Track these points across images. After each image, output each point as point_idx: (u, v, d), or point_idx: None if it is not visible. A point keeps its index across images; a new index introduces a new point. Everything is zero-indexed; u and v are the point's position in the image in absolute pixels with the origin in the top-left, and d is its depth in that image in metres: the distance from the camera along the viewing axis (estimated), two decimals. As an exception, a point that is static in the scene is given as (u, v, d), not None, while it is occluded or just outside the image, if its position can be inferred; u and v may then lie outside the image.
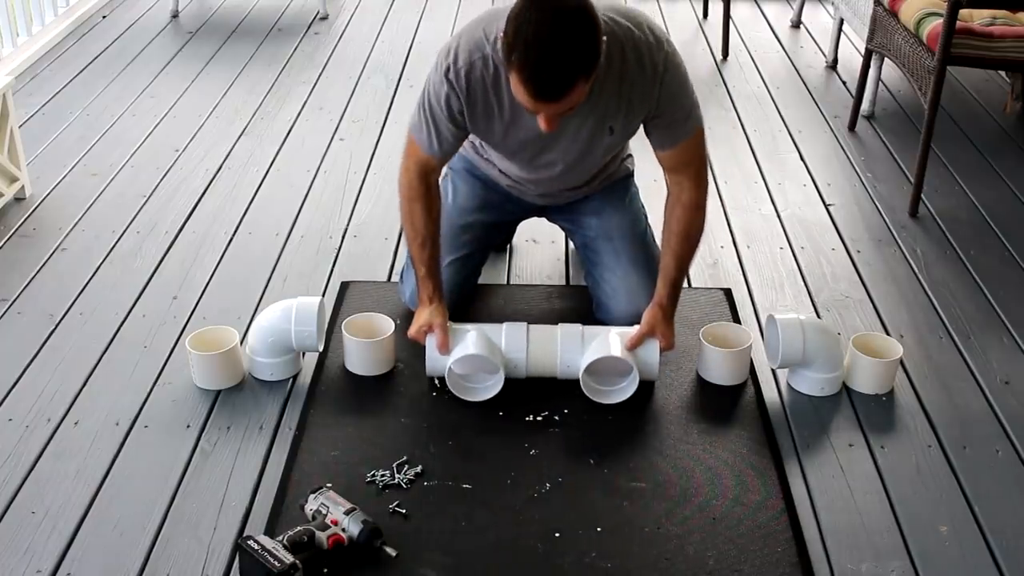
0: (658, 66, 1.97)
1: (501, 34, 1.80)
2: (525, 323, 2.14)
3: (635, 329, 2.13)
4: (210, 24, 4.41)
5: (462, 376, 2.11)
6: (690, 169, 2.11)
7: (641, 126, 2.09)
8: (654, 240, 2.37)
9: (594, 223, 2.33)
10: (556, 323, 2.16)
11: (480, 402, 2.09)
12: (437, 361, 2.11)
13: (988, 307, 2.50)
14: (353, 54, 4.11)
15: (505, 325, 2.13)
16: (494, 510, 1.84)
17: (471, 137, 2.34)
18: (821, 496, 1.91)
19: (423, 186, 2.13)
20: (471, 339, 2.08)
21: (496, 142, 2.12)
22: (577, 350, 2.10)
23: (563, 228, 2.51)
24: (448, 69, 1.96)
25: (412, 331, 2.15)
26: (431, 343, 2.11)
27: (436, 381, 2.15)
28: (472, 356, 2.07)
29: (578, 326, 2.14)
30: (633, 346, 2.09)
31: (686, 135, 2.08)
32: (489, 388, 2.11)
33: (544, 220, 2.49)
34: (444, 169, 2.45)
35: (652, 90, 1.99)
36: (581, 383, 2.06)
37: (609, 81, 1.95)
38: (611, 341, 2.09)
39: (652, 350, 2.10)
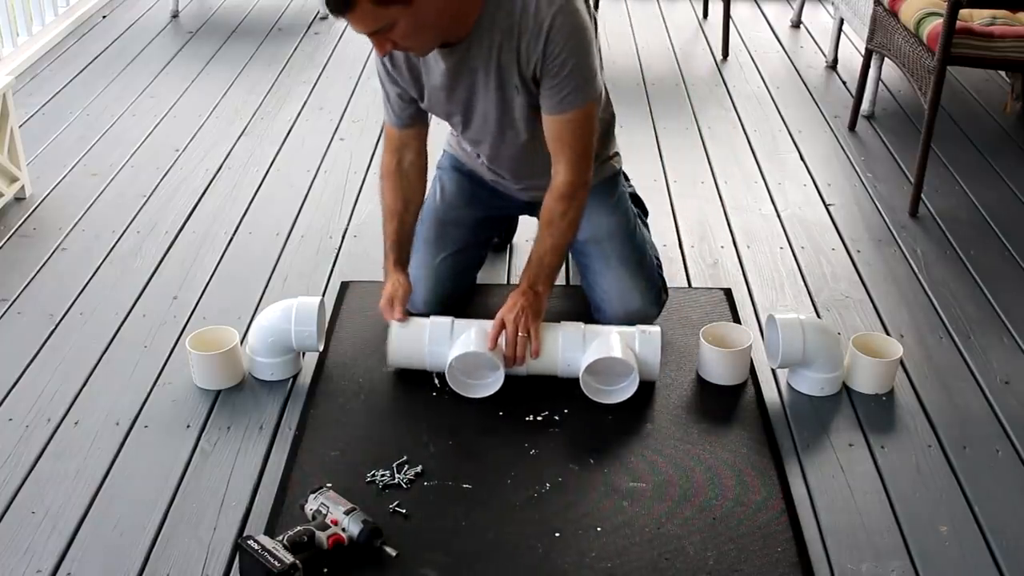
0: (544, 20, 1.91)
1: None
2: None
3: (635, 330, 2.13)
4: (210, 24, 4.41)
5: (462, 373, 2.11)
6: (567, 150, 2.04)
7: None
8: (646, 239, 2.37)
9: (582, 225, 2.33)
10: (556, 323, 2.16)
11: (480, 402, 2.09)
12: (397, 353, 2.13)
13: (988, 307, 2.50)
14: (353, 54, 4.11)
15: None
16: (494, 510, 1.84)
17: (454, 131, 2.34)
18: (821, 496, 1.91)
19: (393, 161, 2.23)
20: (472, 336, 2.08)
21: (428, 105, 2.15)
22: (578, 349, 2.10)
23: None
24: None
25: (381, 303, 2.18)
26: (394, 331, 2.13)
27: (436, 380, 2.15)
28: (473, 353, 2.07)
29: (580, 325, 2.14)
30: (491, 347, 2.07)
31: (570, 106, 1.99)
32: (489, 385, 2.11)
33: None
34: (433, 168, 2.44)
35: (537, 44, 1.93)
36: (581, 383, 2.06)
37: (499, 30, 1.95)
38: (612, 341, 2.09)
39: (653, 350, 2.10)
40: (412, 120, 2.19)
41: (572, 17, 1.93)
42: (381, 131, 3.40)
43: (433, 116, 2.22)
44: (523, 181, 2.30)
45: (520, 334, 2.07)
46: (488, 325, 2.11)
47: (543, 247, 2.12)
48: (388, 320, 2.15)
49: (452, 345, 2.09)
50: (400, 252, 2.22)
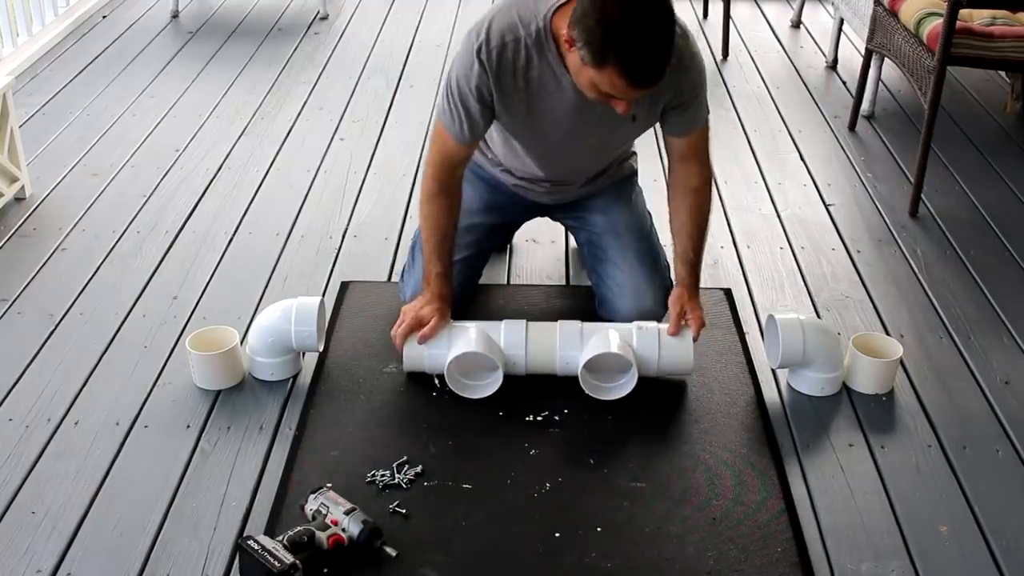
0: (684, 54, 1.99)
1: (568, 28, 1.82)
2: (524, 320, 2.14)
3: (632, 326, 2.13)
4: (210, 24, 4.41)
5: (461, 374, 2.11)
6: (700, 156, 2.17)
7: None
8: (658, 239, 2.38)
9: (600, 220, 2.34)
10: (554, 322, 2.16)
11: (480, 402, 2.09)
12: (414, 360, 2.12)
13: (988, 307, 2.50)
14: (353, 54, 4.11)
15: (504, 322, 2.13)
16: (494, 510, 1.84)
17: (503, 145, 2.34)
18: (821, 496, 1.91)
19: (449, 180, 2.11)
20: (471, 336, 2.08)
21: (516, 131, 2.11)
22: (576, 346, 2.10)
23: (567, 225, 2.50)
24: (480, 48, 1.95)
25: (402, 329, 2.09)
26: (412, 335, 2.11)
27: (436, 381, 2.15)
28: (472, 353, 2.07)
29: (577, 323, 2.14)
30: (673, 332, 2.12)
31: (702, 122, 2.13)
32: (489, 386, 2.11)
33: (545, 220, 2.49)
34: None
35: (677, 78, 1.99)
36: (580, 380, 2.06)
37: None
38: (610, 337, 2.09)
39: (651, 345, 2.10)
40: (480, 134, 2.09)
41: (696, 45, 2.05)
42: (381, 132, 3.41)
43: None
44: (561, 187, 2.30)
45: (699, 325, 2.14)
46: (484, 326, 2.12)
47: (699, 239, 2.18)
48: (395, 341, 2.11)
49: (450, 347, 2.08)
50: (450, 279, 2.13)
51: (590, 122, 2.06)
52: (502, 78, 1.97)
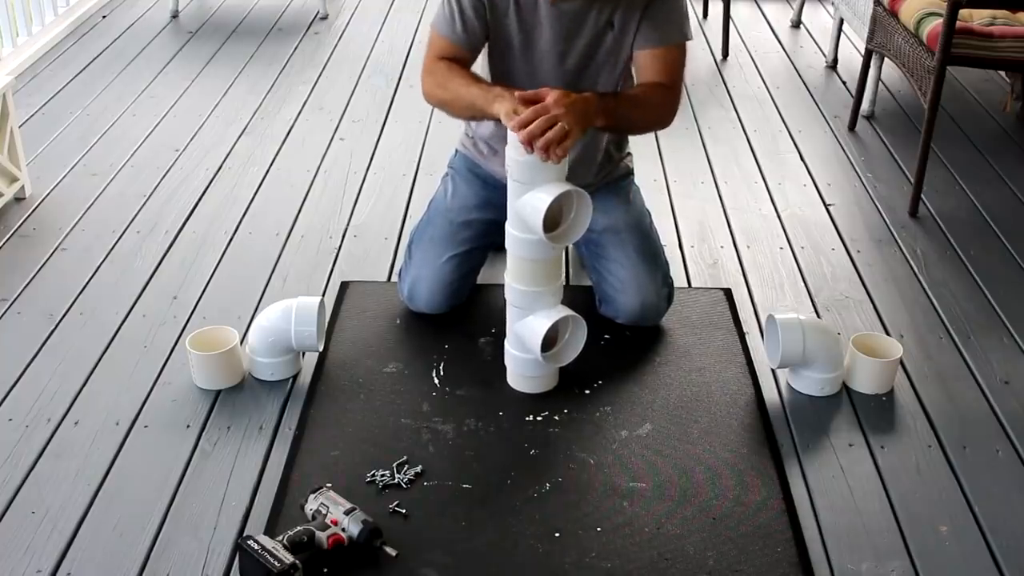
0: None
1: None
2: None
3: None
4: (210, 24, 4.41)
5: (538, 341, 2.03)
6: (665, 79, 2.13)
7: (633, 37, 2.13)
8: (658, 236, 2.38)
9: (599, 219, 2.33)
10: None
11: (480, 402, 2.09)
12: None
13: (988, 307, 2.50)
14: (353, 54, 4.11)
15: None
16: (494, 510, 1.84)
17: (475, 133, 2.33)
18: (821, 496, 1.91)
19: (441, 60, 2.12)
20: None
21: (505, 43, 2.14)
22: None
23: None
24: None
25: (516, 112, 1.90)
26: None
27: (436, 381, 2.15)
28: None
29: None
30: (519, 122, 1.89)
31: (672, 39, 2.14)
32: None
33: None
34: (445, 168, 2.46)
35: None
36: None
37: None
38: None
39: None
40: (475, 40, 2.13)
41: None
42: (381, 132, 3.40)
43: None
44: None
45: (554, 112, 1.86)
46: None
47: (630, 92, 2.15)
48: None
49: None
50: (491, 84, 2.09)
51: (573, 35, 2.09)
52: None
